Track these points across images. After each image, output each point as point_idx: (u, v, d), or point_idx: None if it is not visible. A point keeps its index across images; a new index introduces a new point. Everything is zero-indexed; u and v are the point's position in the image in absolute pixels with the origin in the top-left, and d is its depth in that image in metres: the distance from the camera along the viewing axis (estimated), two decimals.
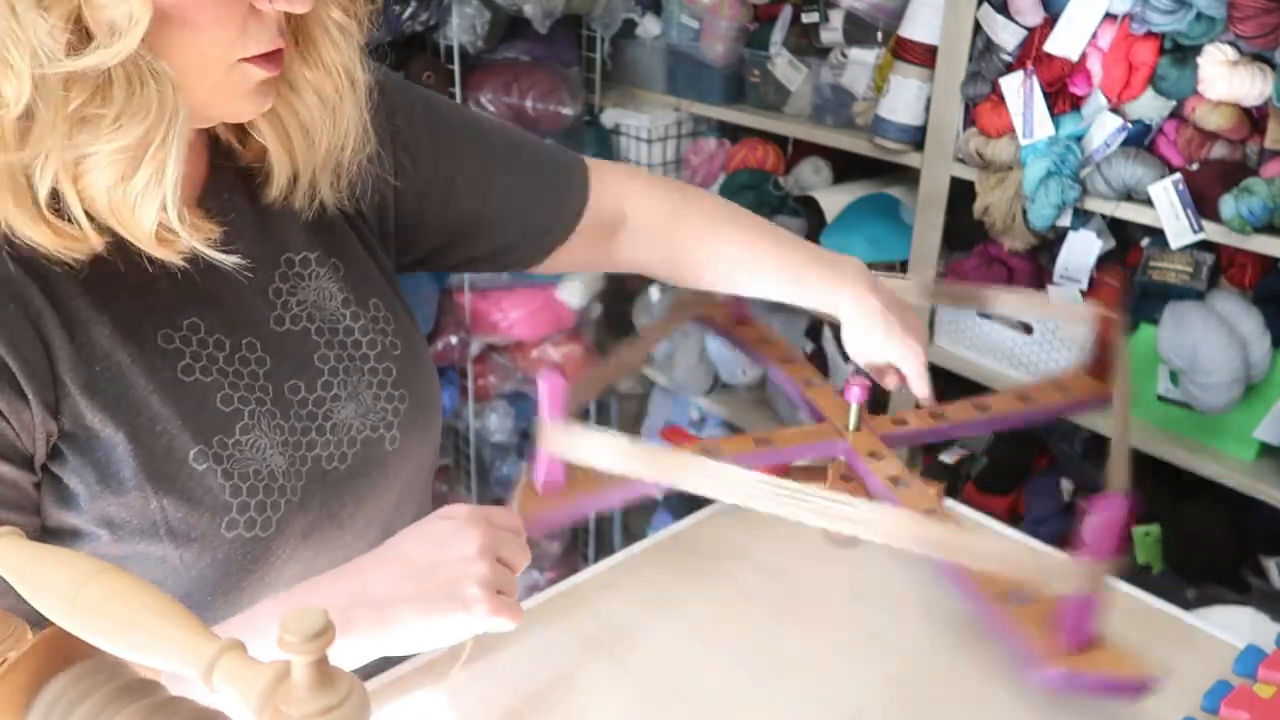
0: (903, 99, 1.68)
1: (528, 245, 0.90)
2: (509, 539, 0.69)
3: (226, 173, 0.72)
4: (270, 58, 0.61)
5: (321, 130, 0.69)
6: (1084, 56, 1.46)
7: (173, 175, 0.58)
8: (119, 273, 0.64)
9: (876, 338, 0.93)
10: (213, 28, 0.57)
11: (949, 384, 1.81)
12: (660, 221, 0.94)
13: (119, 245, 0.62)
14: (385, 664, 0.78)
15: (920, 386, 0.94)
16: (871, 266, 0.97)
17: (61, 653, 0.41)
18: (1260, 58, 1.33)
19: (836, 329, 2.08)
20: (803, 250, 0.95)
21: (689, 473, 0.77)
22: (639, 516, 2.59)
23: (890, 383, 0.97)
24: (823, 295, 0.94)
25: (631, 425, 2.50)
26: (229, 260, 0.64)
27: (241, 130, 0.71)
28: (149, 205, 0.58)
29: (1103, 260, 1.56)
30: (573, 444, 0.80)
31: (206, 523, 0.66)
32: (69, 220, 0.59)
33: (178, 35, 0.56)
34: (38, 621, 0.41)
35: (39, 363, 0.61)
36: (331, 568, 0.71)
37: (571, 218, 0.90)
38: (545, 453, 0.82)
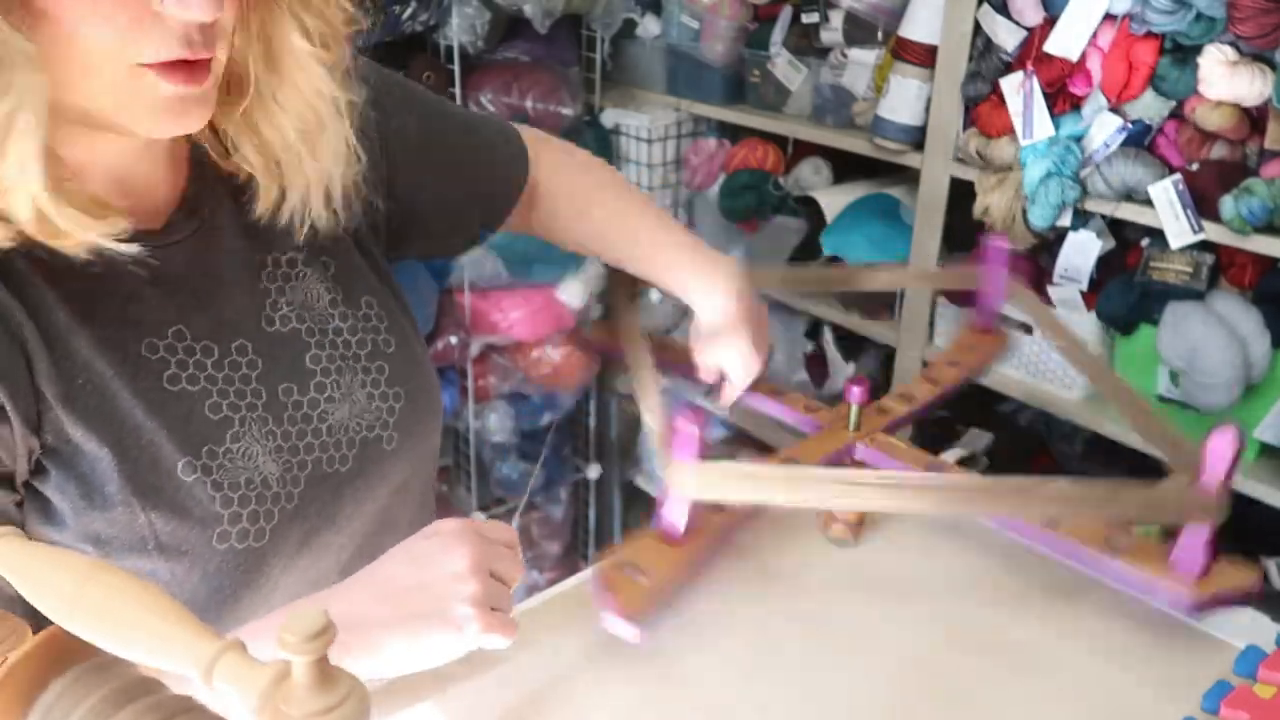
0: (903, 99, 1.68)
1: (488, 218, 0.93)
2: (502, 553, 0.67)
3: (210, 173, 0.71)
4: (178, 70, 0.57)
5: (303, 155, 0.67)
6: (1084, 57, 1.46)
7: (38, 163, 0.54)
8: (102, 283, 0.63)
9: (722, 341, 0.95)
10: (95, 23, 0.54)
11: None
12: (563, 190, 0.97)
13: (104, 255, 0.61)
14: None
15: (729, 396, 0.99)
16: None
17: (62, 653, 0.41)
18: (1260, 58, 1.33)
19: (836, 330, 2.07)
20: (683, 236, 0.97)
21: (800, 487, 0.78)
22: (638, 517, 2.60)
23: (707, 378, 1.00)
24: (692, 284, 0.95)
25: (632, 425, 2.50)
26: (128, 250, 0.60)
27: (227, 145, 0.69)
28: (20, 194, 0.55)
29: (1102, 260, 1.57)
30: (706, 484, 0.79)
31: (197, 535, 0.65)
32: None
33: (54, 28, 0.53)
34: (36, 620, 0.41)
35: (20, 377, 0.59)
36: (328, 572, 0.70)
37: (517, 191, 0.93)
38: (675, 496, 0.81)
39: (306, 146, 0.67)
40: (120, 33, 0.54)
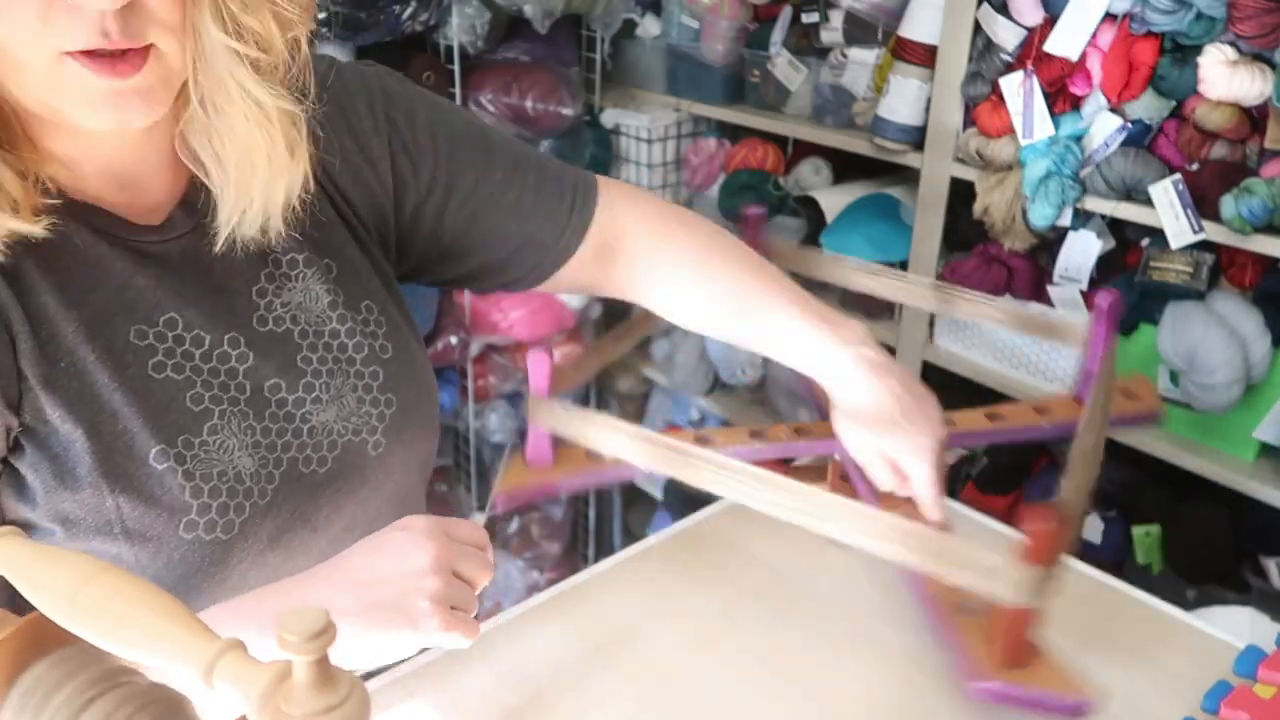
0: (903, 99, 1.68)
1: (526, 264, 0.85)
2: (470, 553, 0.67)
3: None
4: (103, 62, 0.56)
5: (253, 163, 0.66)
6: (1084, 56, 1.46)
7: None
8: (97, 271, 0.64)
9: (882, 422, 0.79)
10: (10, 11, 0.54)
11: (948, 383, 1.81)
12: (649, 251, 0.87)
13: (103, 237, 0.62)
14: (385, 664, 0.78)
15: (930, 500, 0.79)
16: None
17: (41, 639, 0.41)
18: (1260, 58, 1.33)
19: None
20: (799, 302, 0.84)
21: (678, 461, 0.77)
22: (639, 516, 2.60)
23: (886, 483, 0.82)
24: (818, 356, 0.82)
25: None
26: (32, 232, 0.60)
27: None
28: None
29: (1102, 260, 1.56)
30: (562, 421, 0.84)
31: (164, 523, 0.66)
32: None
33: None
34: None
35: (2, 357, 0.61)
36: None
37: (573, 239, 0.85)
38: (535, 428, 0.88)
39: (247, 155, 0.65)
40: (35, 20, 0.55)
